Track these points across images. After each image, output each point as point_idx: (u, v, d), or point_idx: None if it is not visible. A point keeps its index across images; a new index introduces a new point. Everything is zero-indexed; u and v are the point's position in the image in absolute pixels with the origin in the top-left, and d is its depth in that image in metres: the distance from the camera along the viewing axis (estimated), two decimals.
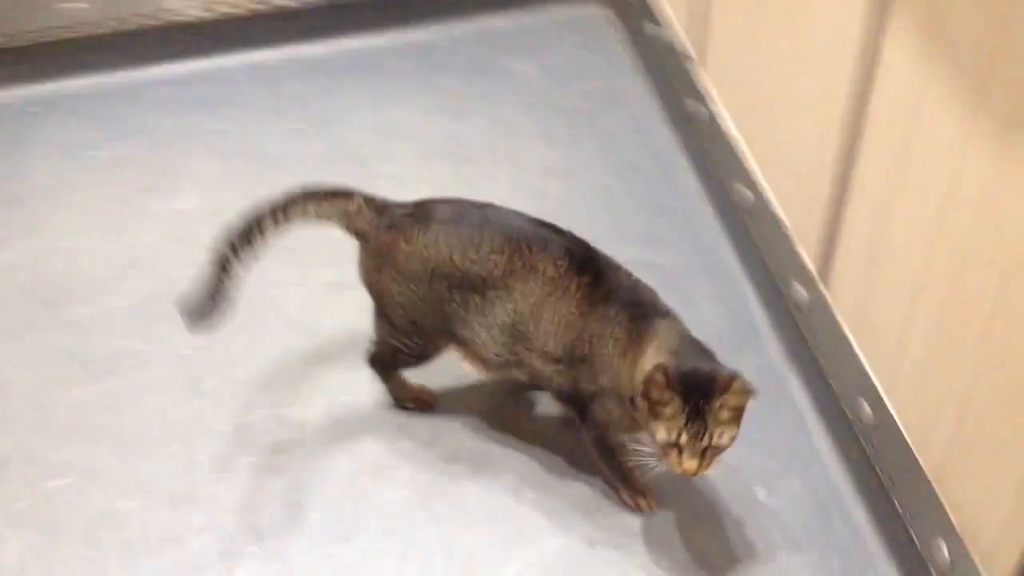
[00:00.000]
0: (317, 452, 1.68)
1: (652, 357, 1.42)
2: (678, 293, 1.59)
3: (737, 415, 1.39)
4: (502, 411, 1.73)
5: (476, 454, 1.68)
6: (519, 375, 1.58)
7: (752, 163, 1.83)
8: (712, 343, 1.47)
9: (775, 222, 1.77)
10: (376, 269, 1.58)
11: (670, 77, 2.14)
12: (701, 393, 1.37)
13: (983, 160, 1.24)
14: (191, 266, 1.92)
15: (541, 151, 2.13)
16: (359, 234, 1.60)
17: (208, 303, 1.56)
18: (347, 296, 1.87)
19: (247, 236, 1.55)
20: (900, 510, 1.52)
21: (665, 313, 1.49)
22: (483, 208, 1.56)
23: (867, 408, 1.56)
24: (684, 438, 1.38)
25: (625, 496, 1.61)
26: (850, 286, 1.59)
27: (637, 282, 1.53)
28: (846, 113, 1.51)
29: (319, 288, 1.89)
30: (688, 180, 2.08)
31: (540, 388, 1.63)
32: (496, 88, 2.26)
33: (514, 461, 1.67)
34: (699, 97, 1.99)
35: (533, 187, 2.05)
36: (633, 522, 1.60)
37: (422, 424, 1.71)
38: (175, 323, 1.63)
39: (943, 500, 1.41)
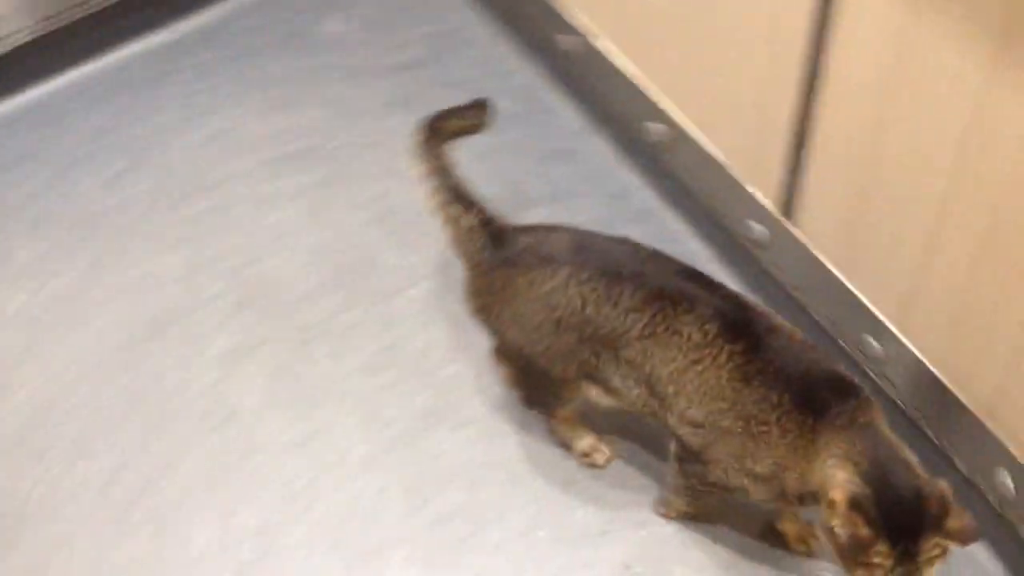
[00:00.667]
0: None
1: (832, 467, 1.19)
2: None
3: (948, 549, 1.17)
4: (473, 458, 1.54)
5: (471, 506, 1.50)
6: (651, 419, 1.38)
7: (658, 94, 1.65)
8: None
9: (702, 156, 1.60)
10: (486, 308, 1.38)
11: (520, 6, 1.90)
12: (911, 531, 1.15)
13: (1013, 75, 1.11)
14: (49, 381, 1.63)
15: (393, 122, 1.86)
16: (464, 258, 1.40)
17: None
18: (250, 361, 1.62)
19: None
20: (938, 442, 1.43)
21: (846, 392, 1.23)
22: (620, 246, 1.34)
23: (874, 343, 1.45)
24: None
25: (669, 510, 1.48)
26: (830, 220, 1.45)
27: (805, 347, 1.28)
28: (803, 31, 1.33)
29: (217, 360, 1.62)
30: (572, 121, 1.86)
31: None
32: (318, 60, 1.96)
33: (511, 504, 1.50)
34: (564, 27, 1.78)
35: (399, 170, 1.78)
36: (663, 534, 1.47)
37: (394, 497, 1.51)
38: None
39: (995, 431, 1.33)
